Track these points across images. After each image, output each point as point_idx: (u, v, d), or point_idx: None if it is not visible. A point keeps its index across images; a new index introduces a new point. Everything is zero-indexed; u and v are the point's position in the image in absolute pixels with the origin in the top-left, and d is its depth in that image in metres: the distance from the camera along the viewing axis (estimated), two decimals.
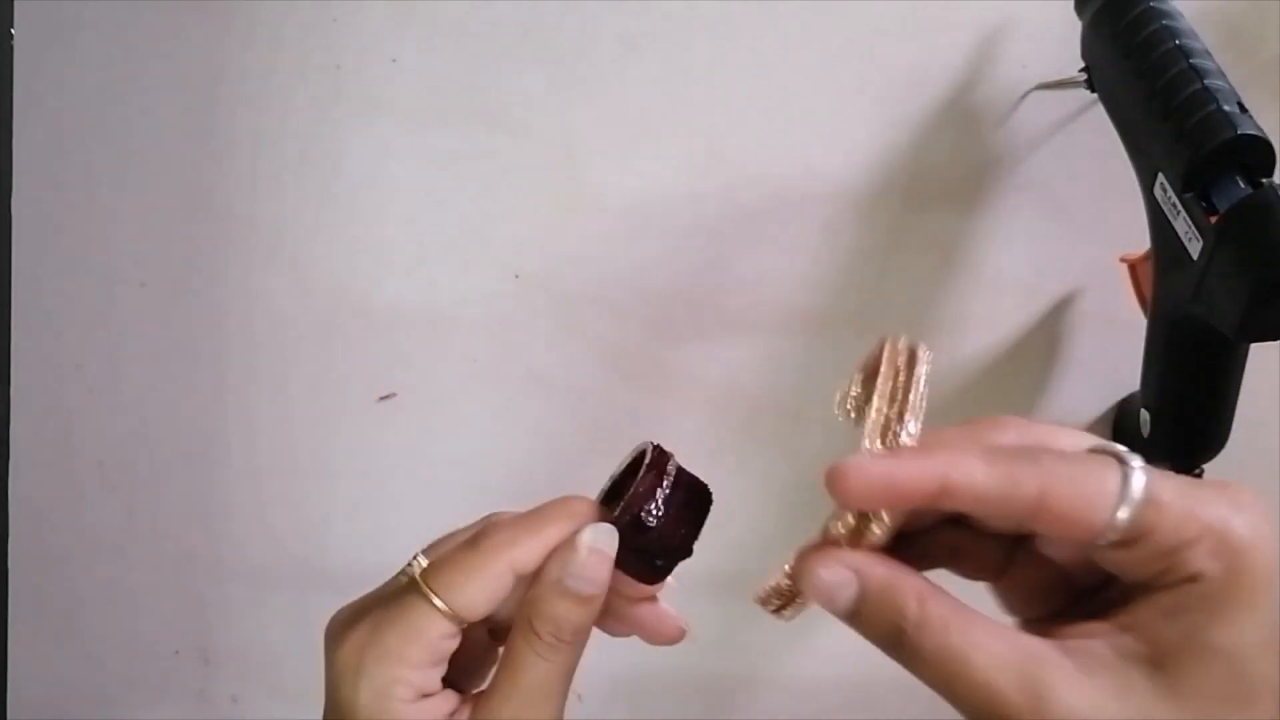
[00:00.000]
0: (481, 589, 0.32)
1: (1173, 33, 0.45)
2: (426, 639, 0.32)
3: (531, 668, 0.32)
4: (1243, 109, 0.43)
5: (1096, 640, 0.27)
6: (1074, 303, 0.56)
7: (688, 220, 0.57)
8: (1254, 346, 0.47)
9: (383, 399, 0.57)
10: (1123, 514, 0.26)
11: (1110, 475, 0.26)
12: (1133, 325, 0.51)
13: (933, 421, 0.30)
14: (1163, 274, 0.48)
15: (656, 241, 0.57)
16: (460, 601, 0.32)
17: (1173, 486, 0.26)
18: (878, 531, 0.28)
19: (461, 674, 0.35)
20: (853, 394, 0.30)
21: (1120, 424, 0.54)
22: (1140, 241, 0.49)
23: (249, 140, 0.58)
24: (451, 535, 0.35)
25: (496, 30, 0.57)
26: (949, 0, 0.56)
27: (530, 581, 0.33)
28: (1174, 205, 0.45)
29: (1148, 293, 0.49)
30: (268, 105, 0.58)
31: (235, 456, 0.58)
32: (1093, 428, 0.55)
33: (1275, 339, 0.42)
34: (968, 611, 0.27)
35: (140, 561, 0.58)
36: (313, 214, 0.58)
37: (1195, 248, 0.43)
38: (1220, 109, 0.43)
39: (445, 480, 0.57)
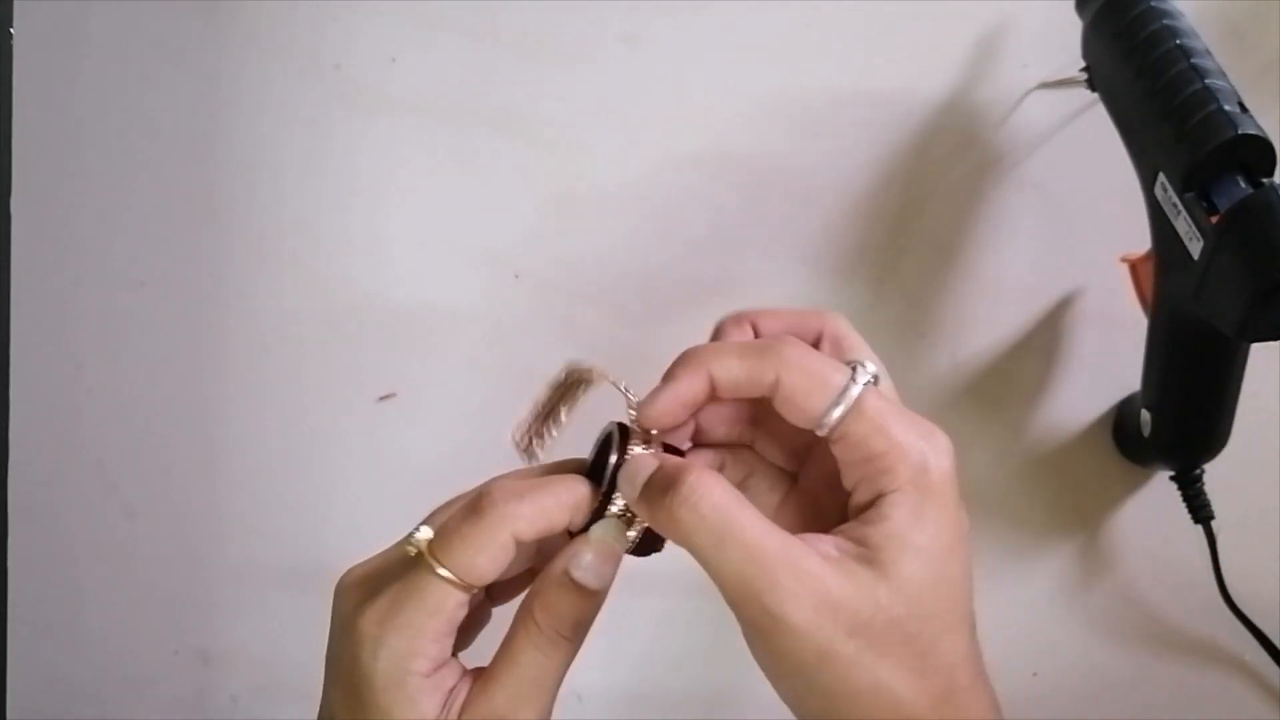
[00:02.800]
0: (489, 560, 0.33)
1: (1173, 32, 0.45)
2: (445, 612, 0.33)
3: (529, 661, 0.34)
4: (1243, 109, 0.43)
5: (824, 542, 0.33)
6: (1074, 303, 0.56)
7: (688, 220, 0.57)
8: (1254, 346, 0.47)
9: (383, 399, 0.57)
10: (835, 412, 0.32)
11: (835, 380, 0.33)
12: (1133, 325, 0.51)
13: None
14: (1163, 274, 0.48)
15: (656, 241, 0.57)
16: (471, 574, 0.33)
17: (877, 405, 0.33)
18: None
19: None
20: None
21: (1120, 424, 0.54)
22: (1141, 241, 0.49)
23: (248, 140, 0.58)
24: (450, 504, 0.37)
25: (496, 30, 0.57)
26: (949, 0, 0.56)
27: (528, 554, 0.36)
28: (1174, 205, 0.45)
29: (1148, 293, 0.49)
30: (267, 105, 0.58)
31: (235, 456, 0.58)
32: (1093, 428, 0.55)
33: (1276, 339, 0.42)
34: (742, 496, 0.33)
35: (140, 561, 0.58)
36: (312, 214, 0.58)
37: (1196, 248, 0.43)
38: (1221, 109, 0.43)
39: (445, 480, 0.57)
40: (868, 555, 0.32)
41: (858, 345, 0.36)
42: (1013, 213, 0.56)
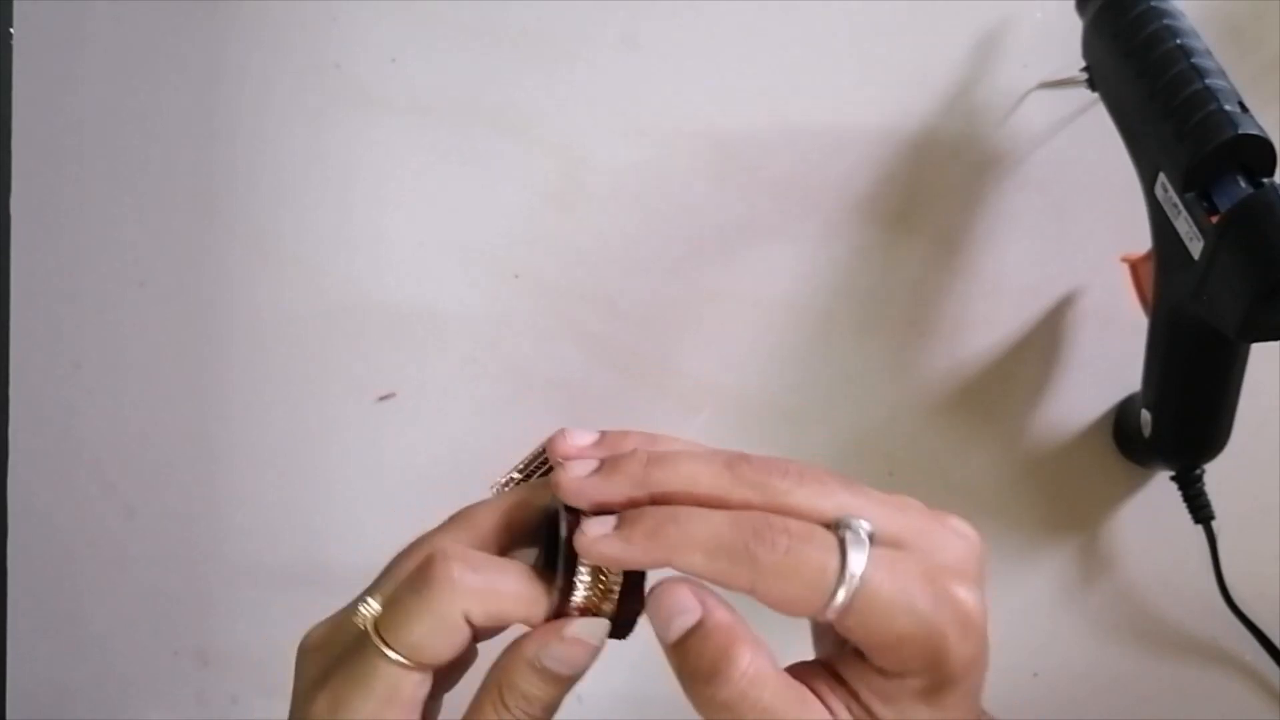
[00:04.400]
0: (443, 640, 0.30)
1: (1174, 32, 0.45)
2: (400, 699, 0.31)
3: None
4: (1244, 108, 0.43)
5: (844, 713, 0.30)
6: (1074, 303, 0.56)
7: (688, 220, 0.57)
8: (1255, 346, 0.47)
9: (383, 399, 0.57)
10: (833, 608, 0.28)
11: (828, 567, 0.28)
12: (1133, 325, 0.51)
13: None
14: (1164, 274, 0.48)
15: (656, 241, 0.57)
16: (424, 655, 0.30)
17: (885, 585, 0.28)
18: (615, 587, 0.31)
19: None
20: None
21: (1120, 424, 0.54)
22: (1141, 241, 0.49)
23: (248, 140, 0.58)
24: (399, 562, 0.34)
25: (496, 30, 0.57)
26: (949, 0, 0.56)
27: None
28: (1175, 205, 0.45)
29: (1149, 293, 0.49)
30: (267, 105, 0.58)
31: (235, 456, 0.58)
32: (1093, 428, 0.55)
33: (1276, 339, 0.42)
34: (782, 674, 0.30)
35: (140, 561, 0.58)
36: (312, 214, 0.58)
37: (1196, 247, 0.43)
38: (1221, 108, 0.43)
39: (445, 480, 0.57)
40: None
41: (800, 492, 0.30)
42: (1013, 212, 0.56)
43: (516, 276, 0.57)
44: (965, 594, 0.29)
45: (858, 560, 0.28)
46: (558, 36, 0.57)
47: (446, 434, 0.57)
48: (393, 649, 0.30)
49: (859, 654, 0.30)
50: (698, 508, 0.30)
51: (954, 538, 0.31)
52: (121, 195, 0.58)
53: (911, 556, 0.29)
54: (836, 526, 0.29)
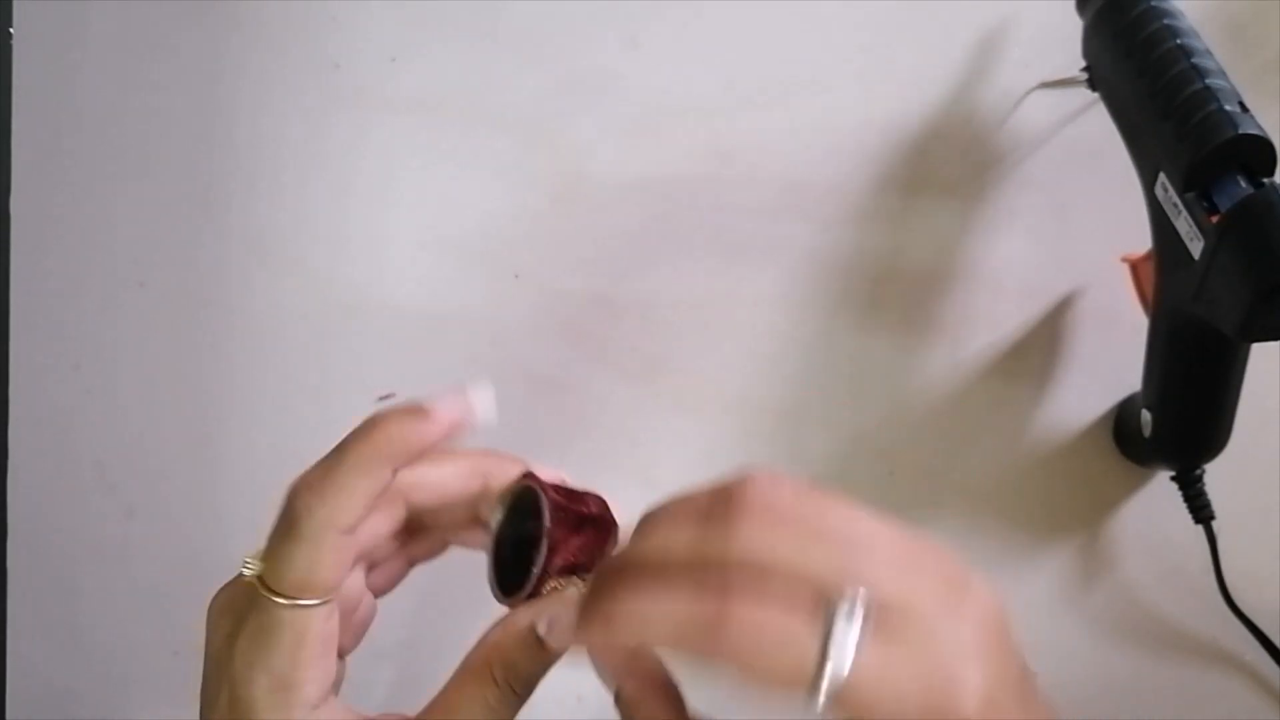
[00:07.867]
0: (327, 568, 0.31)
1: (1174, 32, 0.45)
2: (310, 639, 0.31)
3: (477, 714, 0.32)
4: (1244, 108, 0.43)
5: None
6: (1074, 303, 0.56)
7: (687, 220, 0.57)
8: (1255, 346, 0.47)
9: (382, 399, 0.57)
10: (819, 701, 0.25)
11: (808, 648, 0.25)
12: (1134, 325, 0.51)
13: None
14: (1164, 274, 0.48)
15: (656, 241, 0.57)
16: (313, 586, 0.31)
17: (874, 681, 0.24)
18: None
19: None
20: None
21: (1121, 424, 0.54)
22: (1142, 241, 0.49)
23: (248, 140, 0.58)
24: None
25: (496, 30, 0.57)
26: (949, 0, 0.56)
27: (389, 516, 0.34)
28: (1175, 205, 0.45)
29: (1149, 293, 0.49)
30: (266, 105, 0.58)
31: (234, 457, 0.58)
32: (1093, 428, 0.55)
33: (1277, 339, 0.42)
34: None
35: (140, 561, 0.58)
36: (312, 214, 0.58)
37: (1196, 247, 0.43)
38: (1221, 108, 0.43)
39: None
40: None
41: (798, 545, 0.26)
42: (1013, 213, 0.56)
43: (516, 276, 0.57)
44: (968, 697, 0.25)
45: (843, 652, 0.24)
46: (558, 36, 0.57)
47: None
48: (282, 593, 0.31)
49: None
50: (660, 579, 0.27)
51: (972, 609, 0.27)
52: (121, 195, 0.58)
53: (911, 641, 0.25)
54: (828, 601, 0.25)
